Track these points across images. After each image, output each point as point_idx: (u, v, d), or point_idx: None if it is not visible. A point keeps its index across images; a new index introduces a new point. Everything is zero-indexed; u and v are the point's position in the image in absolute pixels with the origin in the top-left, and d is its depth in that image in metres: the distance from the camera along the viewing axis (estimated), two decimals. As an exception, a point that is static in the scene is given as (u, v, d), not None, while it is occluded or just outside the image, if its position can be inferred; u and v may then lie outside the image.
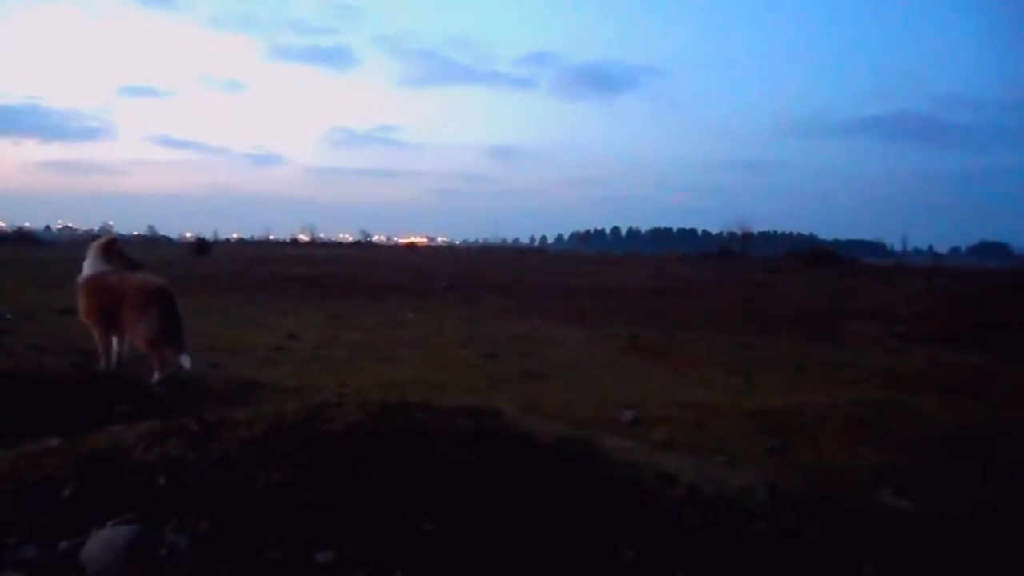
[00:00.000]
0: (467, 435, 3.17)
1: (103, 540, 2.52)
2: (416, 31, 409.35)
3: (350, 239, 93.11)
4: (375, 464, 2.97)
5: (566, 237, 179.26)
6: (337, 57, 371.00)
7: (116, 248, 7.42)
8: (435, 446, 3.07)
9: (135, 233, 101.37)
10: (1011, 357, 11.50)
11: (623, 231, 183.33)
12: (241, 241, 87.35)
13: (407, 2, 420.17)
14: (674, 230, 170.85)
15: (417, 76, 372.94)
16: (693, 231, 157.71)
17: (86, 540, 2.54)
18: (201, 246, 45.29)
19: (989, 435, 6.14)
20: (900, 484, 4.70)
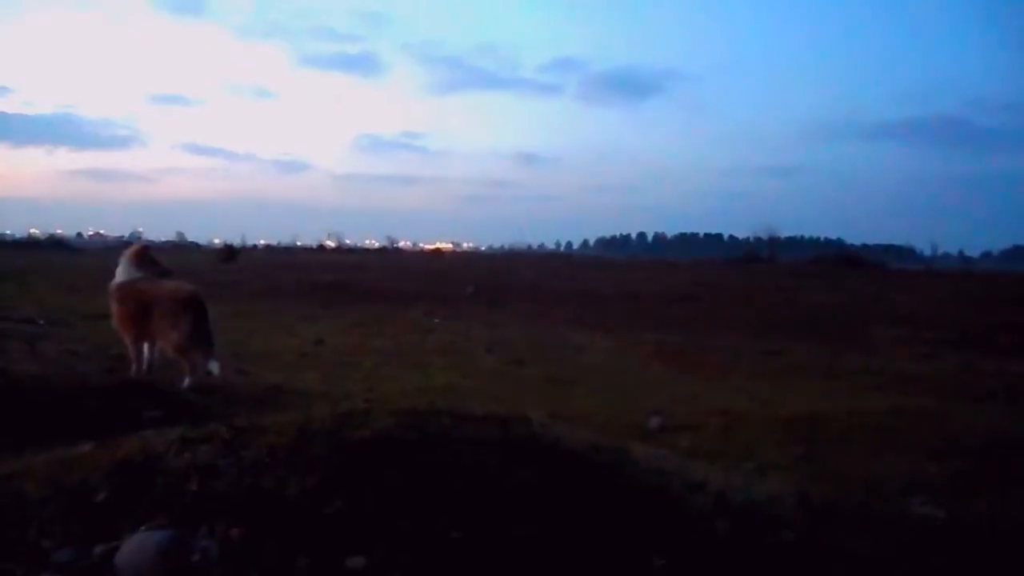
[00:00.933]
0: (495, 442, 3.18)
1: (136, 545, 2.55)
2: (442, 38, 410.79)
3: (376, 245, 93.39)
4: (404, 471, 2.99)
5: (592, 242, 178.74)
6: (364, 64, 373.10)
7: (148, 255, 7.51)
8: (463, 453, 3.08)
9: (164, 240, 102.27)
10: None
11: (649, 236, 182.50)
12: (268, 247, 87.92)
13: (433, 10, 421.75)
14: (700, 235, 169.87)
15: (443, 83, 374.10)
16: (720, 236, 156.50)
17: (120, 544, 2.58)
18: (229, 252, 45.57)
19: (1018, 442, 6.06)
20: (931, 493, 4.65)
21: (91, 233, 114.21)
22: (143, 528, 2.65)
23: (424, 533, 2.67)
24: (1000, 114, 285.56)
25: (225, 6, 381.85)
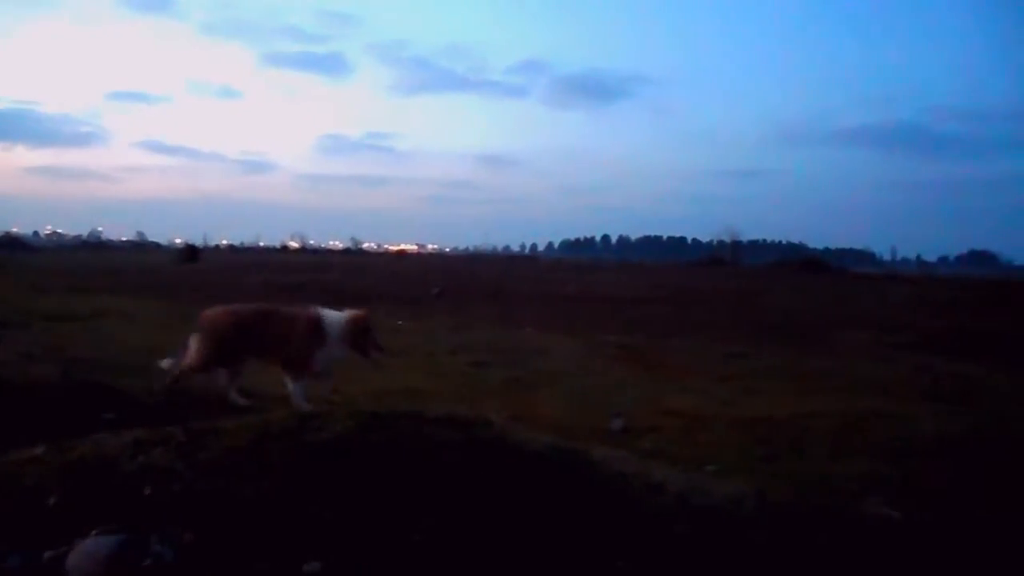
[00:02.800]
0: (456, 445, 3.16)
1: (87, 550, 2.50)
2: (409, 39, 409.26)
3: (340, 246, 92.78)
4: (363, 474, 2.96)
5: (556, 245, 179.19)
6: (330, 64, 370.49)
7: None
8: (424, 456, 3.06)
9: (124, 239, 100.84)
10: (998, 365, 11.56)
11: (613, 239, 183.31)
12: (231, 248, 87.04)
13: (401, 10, 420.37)
14: (664, 238, 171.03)
15: (410, 84, 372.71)
16: (683, 239, 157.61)
17: (71, 550, 2.53)
18: (190, 252, 45.02)
19: (976, 443, 6.15)
20: (887, 493, 4.71)
21: (48, 232, 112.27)
22: (95, 533, 2.60)
23: (383, 536, 2.65)
24: (957, 121, 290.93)
25: (190, 4, 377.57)
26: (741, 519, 3.24)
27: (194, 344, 6.59)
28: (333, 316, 6.59)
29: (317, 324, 6.47)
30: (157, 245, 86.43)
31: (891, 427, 6.66)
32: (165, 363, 6.75)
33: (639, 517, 2.97)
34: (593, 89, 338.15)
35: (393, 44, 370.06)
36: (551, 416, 6.84)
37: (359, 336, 6.55)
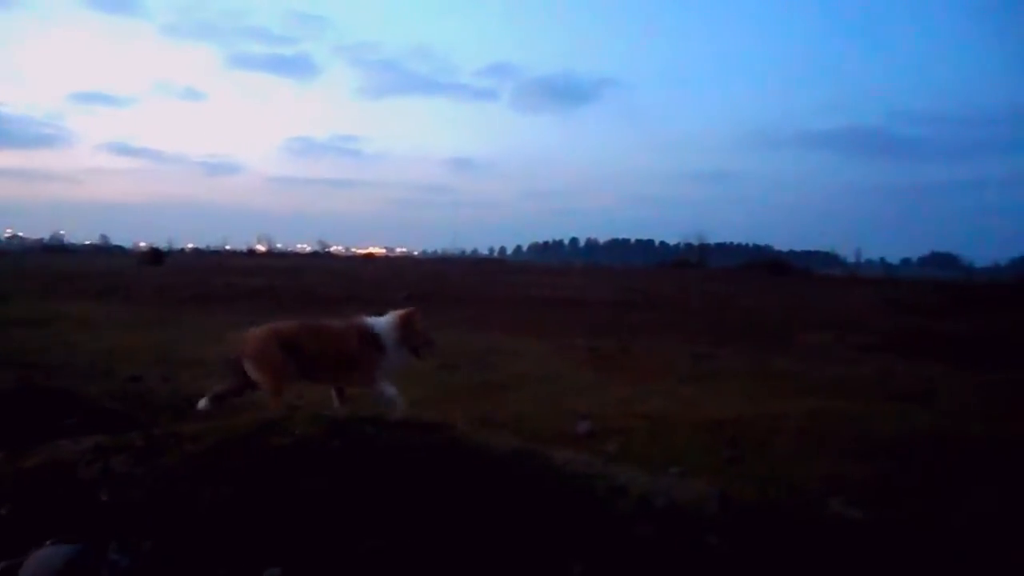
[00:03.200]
0: (417, 449, 3.15)
1: (42, 560, 2.46)
2: (378, 41, 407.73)
3: (308, 249, 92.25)
4: (324, 479, 2.94)
5: (525, 248, 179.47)
6: (298, 66, 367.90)
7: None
8: (385, 460, 3.04)
9: (87, 242, 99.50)
10: (958, 366, 11.72)
11: (582, 242, 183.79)
12: (196, 251, 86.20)
13: (369, 13, 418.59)
14: (632, 241, 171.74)
15: (378, 86, 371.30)
16: (651, 242, 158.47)
17: (24, 560, 2.48)
18: (154, 256, 44.56)
19: (937, 443, 6.23)
20: (850, 492, 4.76)
21: (8, 234, 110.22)
22: (50, 542, 2.55)
23: (344, 541, 2.63)
24: (921, 125, 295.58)
25: (155, 4, 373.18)
26: (703, 520, 3.25)
27: (253, 373, 6.10)
28: (382, 321, 6.35)
29: (371, 333, 6.21)
30: (121, 249, 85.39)
31: (854, 427, 6.74)
32: (202, 404, 6.19)
33: (600, 520, 2.97)
34: (562, 92, 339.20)
35: (361, 46, 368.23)
36: (518, 419, 6.84)
37: (413, 336, 6.36)
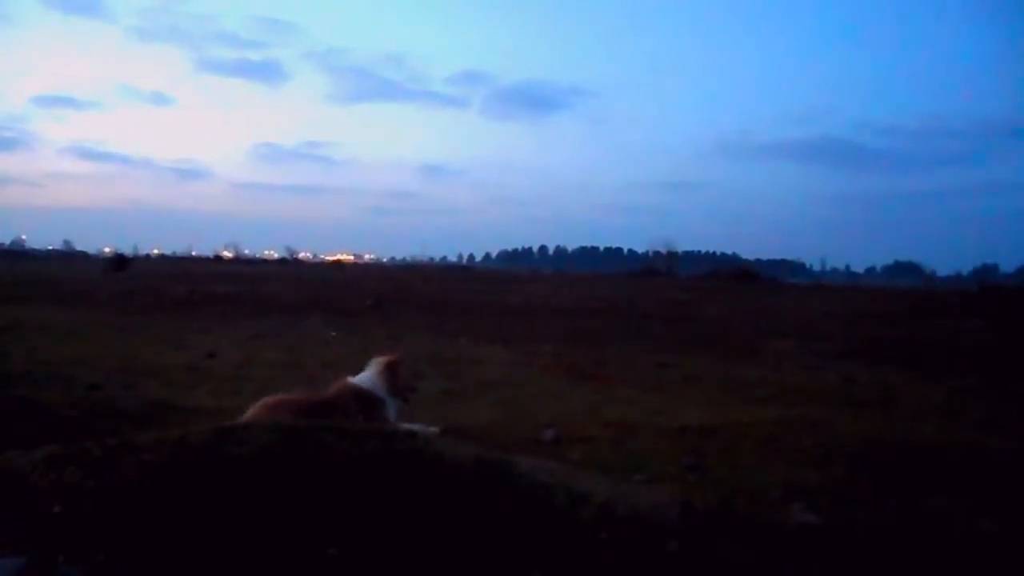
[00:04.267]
0: (377, 458, 3.14)
1: (-9, 572, 2.41)
2: (348, 47, 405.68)
3: (275, 256, 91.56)
4: (281, 488, 2.92)
5: (494, 255, 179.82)
6: (267, 71, 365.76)
7: None
8: (344, 469, 3.03)
9: (50, 248, 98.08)
10: (919, 373, 11.89)
11: (550, 250, 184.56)
12: (162, 257, 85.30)
13: (340, 18, 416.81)
14: (601, 249, 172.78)
15: (348, 92, 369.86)
16: (619, 250, 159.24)
17: (-27, 572, 2.43)
18: (119, 262, 43.96)
19: (896, 449, 6.32)
20: (811, 499, 4.82)
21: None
22: (-2, 554, 2.50)
23: (302, 551, 2.61)
24: (884, 136, 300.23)
25: (121, 7, 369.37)
26: (664, 527, 3.28)
27: None
28: (368, 377, 6.31)
29: (364, 393, 6.14)
30: (85, 254, 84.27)
31: (816, 434, 6.80)
32: None
33: (560, 527, 2.98)
34: (532, 100, 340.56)
35: (331, 52, 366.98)
36: (483, 427, 6.83)
37: (399, 382, 6.41)
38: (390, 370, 6.33)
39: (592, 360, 11.87)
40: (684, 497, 3.79)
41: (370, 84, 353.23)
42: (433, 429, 6.27)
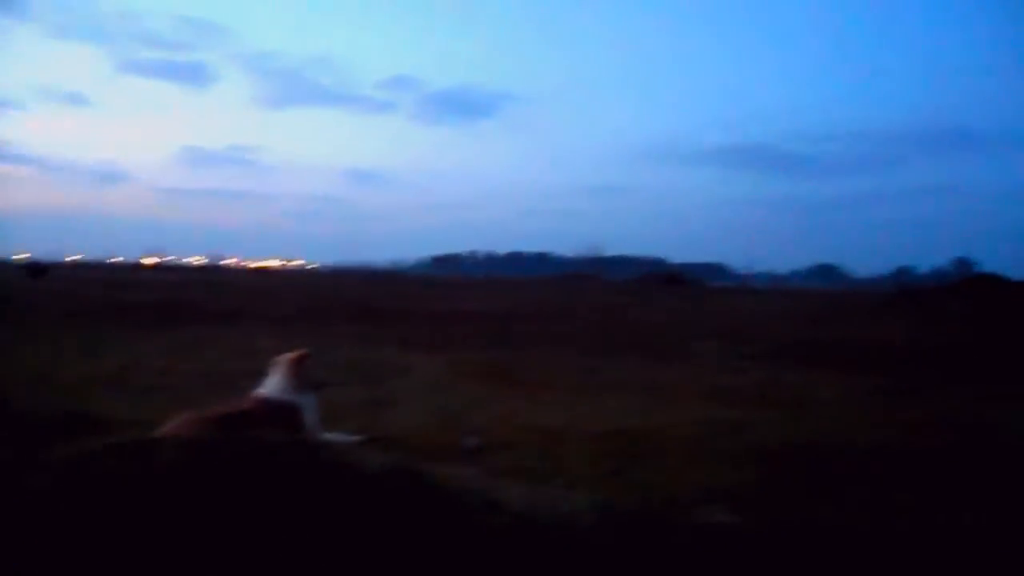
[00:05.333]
0: (289, 469, 3.06)
1: None
2: (278, 51, 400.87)
3: (200, 262, 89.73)
4: (194, 503, 2.83)
5: (425, 260, 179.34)
6: (192, 74, 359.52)
7: None
8: (255, 482, 2.95)
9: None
10: (839, 373, 12.20)
11: (480, 254, 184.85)
12: (81, 264, 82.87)
13: (269, 21, 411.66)
14: (530, 254, 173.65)
15: (277, 96, 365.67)
16: (549, 254, 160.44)
17: None
18: (35, 269, 42.60)
19: (813, 448, 6.46)
20: (731, 500, 4.87)
21: None
22: None
23: (209, 569, 2.53)
24: (808, 144, 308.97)
25: (40, 4, 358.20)
26: (581, 533, 3.27)
27: None
28: (275, 382, 5.85)
29: (277, 404, 5.67)
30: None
31: (737, 436, 6.92)
32: None
33: (476, 535, 2.95)
34: (462, 106, 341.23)
35: (259, 55, 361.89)
36: (407, 436, 6.76)
37: (310, 376, 5.98)
38: (297, 367, 5.91)
39: (519, 366, 11.88)
40: (603, 501, 3.79)
41: (299, 88, 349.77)
42: (355, 438, 6.16)
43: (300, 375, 5.88)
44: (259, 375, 8.13)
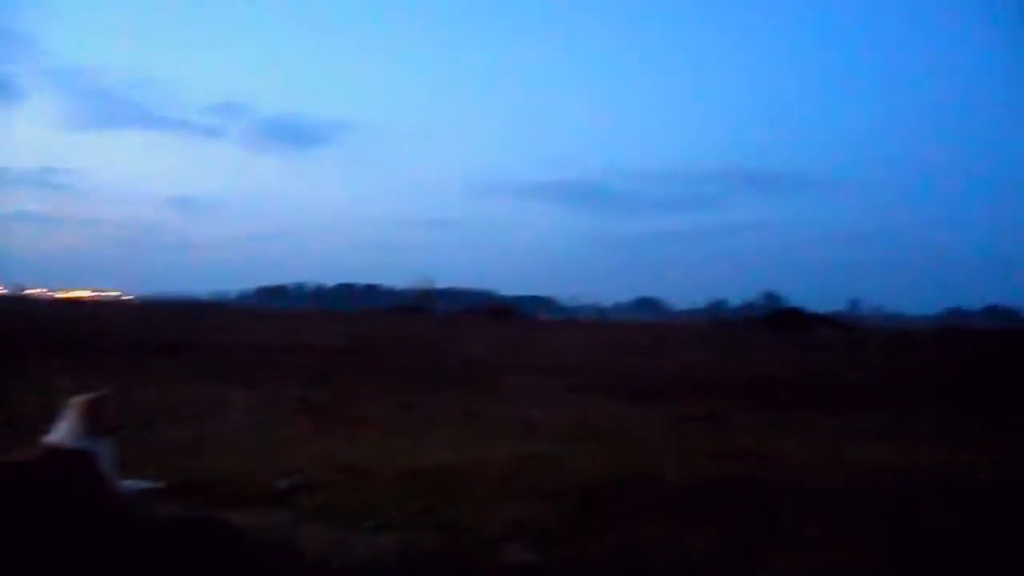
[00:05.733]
0: (70, 520, 2.94)
1: None
2: (94, 67, 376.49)
3: (1, 292, 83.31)
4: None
5: (250, 292, 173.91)
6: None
7: None
8: (33, 533, 2.81)
9: None
10: (653, 404, 12.77)
11: (309, 286, 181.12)
12: None
13: (84, 35, 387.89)
14: (361, 285, 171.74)
15: (93, 117, 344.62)
16: (379, 287, 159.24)
17: None
18: None
19: (621, 481, 6.72)
20: (534, 537, 5.01)
21: None
22: None
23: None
24: (629, 180, 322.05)
25: None
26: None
27: None
28: (67, 431, 4.98)
29: (68, 456, 4.82)
30: None
31: (549, 470, 7.09)
32: None
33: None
34: (291, 133, 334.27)
35: (75, 72, 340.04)
36: (217, 479, 6.54)
37: (103, 420, 5.12)
38: (93, 411, 5.19)
39: (339, 402, 11.74)
40: (404, 542, 3.84)
41: (117, 109, 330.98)
42: (159, 485, 5.88)
43: (96, 418, 5.20)
44: (48, 419, 7.64)
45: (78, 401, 5.20)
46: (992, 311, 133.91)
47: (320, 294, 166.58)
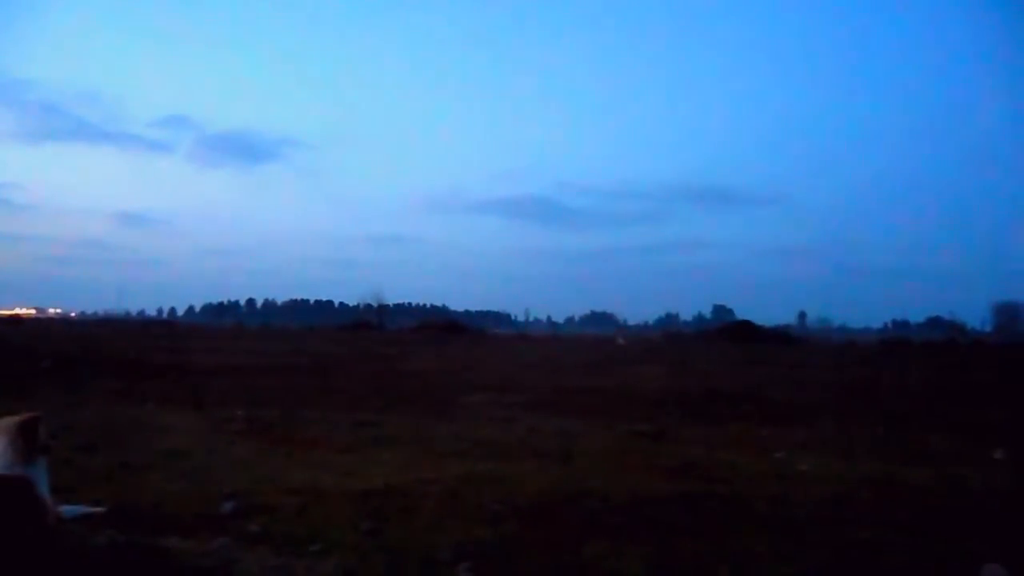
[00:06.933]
0: (5, 549, 2.90)
1: None
2: (35, 80, 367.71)
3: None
4: None
5: (198, 309, 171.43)
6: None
7: None
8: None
9: None
10: (600, 421, 12.85)
11: (259, 302, 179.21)
12: None
13: (26, 46, 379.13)
14: (312, 301, 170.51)
15: (34, 130, 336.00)
16: (330, 303, 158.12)
17: None
18: None
19: (566, 499, 6.77)
20: (479, 557, 5.03)
21: None
22: None
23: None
24: (581, 196, 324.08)
25: None
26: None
27: None
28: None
29: (3, 480, 4.54)
30: None
31: (497, 489, 7.11)
32: None
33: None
34: (241, 149, 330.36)
35: (15, 83, 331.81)
36: (160, 502, 6.45)
37: (35, 443, 4.90)
38: (25, 434, 4.96)
39: (288, 423, 11.63)
40: (350, 567, 3.84)
41: (60, 122, 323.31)
42: (98, 509, 5.79)
43: (29, 443, 4.96)
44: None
45: (8, 423, 4.95)
46: (935, 323, 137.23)
47: (270, 310, 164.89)
